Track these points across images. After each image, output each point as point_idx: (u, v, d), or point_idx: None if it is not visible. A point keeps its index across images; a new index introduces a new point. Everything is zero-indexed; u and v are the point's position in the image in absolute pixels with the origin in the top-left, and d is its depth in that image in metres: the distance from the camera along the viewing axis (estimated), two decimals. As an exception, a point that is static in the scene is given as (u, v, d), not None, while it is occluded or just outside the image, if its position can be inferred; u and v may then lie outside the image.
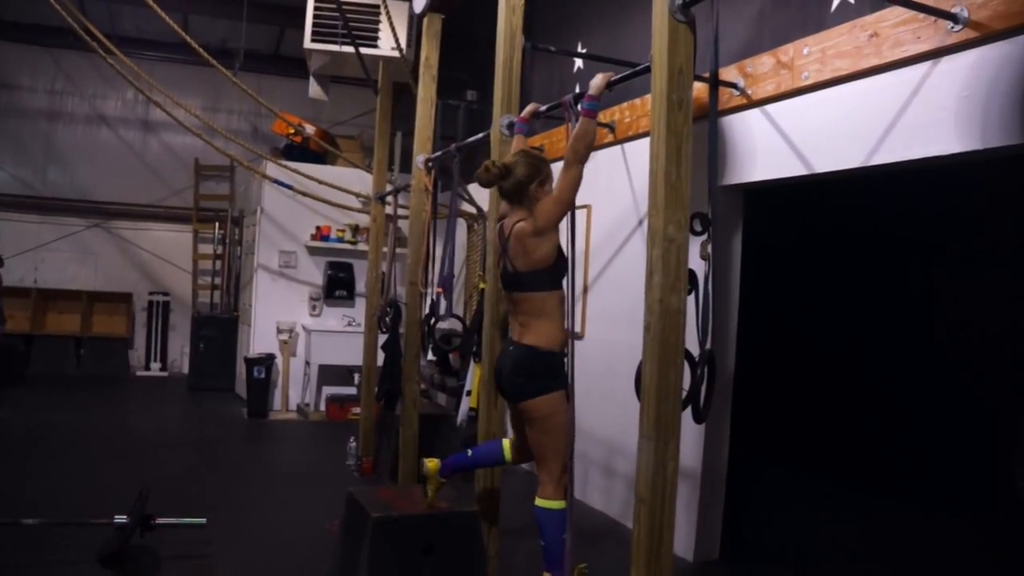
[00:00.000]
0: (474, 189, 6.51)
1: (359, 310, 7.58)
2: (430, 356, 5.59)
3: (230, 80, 7.02)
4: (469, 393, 4.99)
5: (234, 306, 9.13)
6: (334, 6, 6.56)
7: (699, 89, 3.28)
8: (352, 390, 7.47)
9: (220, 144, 7.58)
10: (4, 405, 7.08)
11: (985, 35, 2.59)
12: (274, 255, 7.87)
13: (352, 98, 9.39)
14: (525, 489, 3.34)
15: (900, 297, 5.98)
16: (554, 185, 2.98)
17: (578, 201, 3.33)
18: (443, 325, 4.78)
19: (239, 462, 5.87)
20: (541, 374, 2.94)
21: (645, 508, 2.23)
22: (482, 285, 4.28)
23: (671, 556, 2.27)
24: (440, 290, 4.40)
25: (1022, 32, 2.50)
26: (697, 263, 2.51)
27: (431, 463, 3.21)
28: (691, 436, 3.70)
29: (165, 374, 9.57)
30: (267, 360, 7.50)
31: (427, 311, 4.62)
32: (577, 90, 4.61)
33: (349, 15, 6.65)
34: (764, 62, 3.63)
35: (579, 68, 5.53)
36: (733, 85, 3.76)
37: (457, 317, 4.92)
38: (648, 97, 2.41)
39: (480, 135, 4.13)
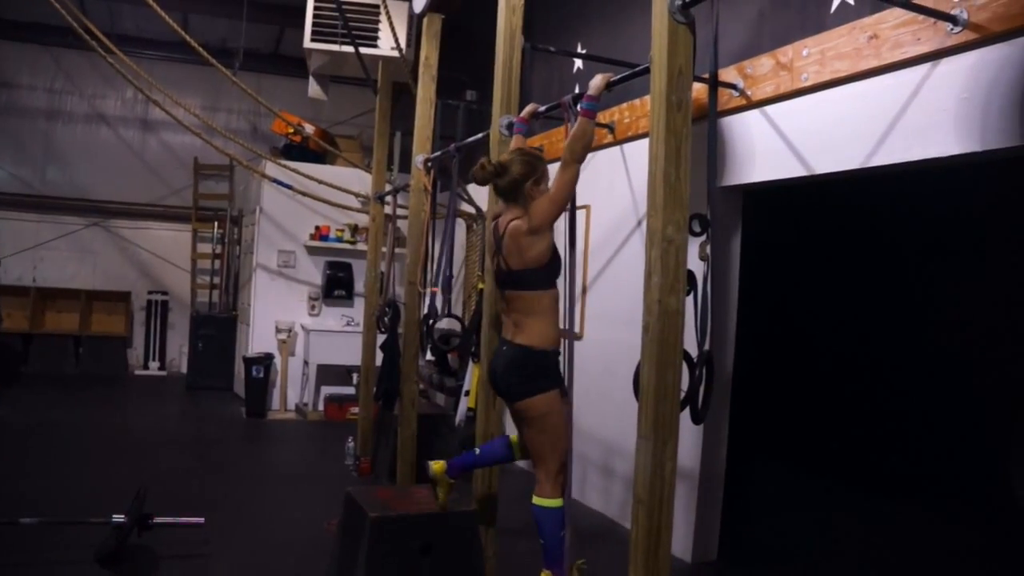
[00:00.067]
0: (473, 189, 6.52)
1: (358, 310, 7.58)
2: (428, 356, 5.59)
3: (230, 79, 7.02)
4: (468, 393, 4.99)
5: (233, 305, 9.12)
6: (334, 6, 6.56)
7: (698, 90, 3.28)
8: (351, 390, 7.47)
9: (219, 143, 7.58)
10: (2, 404, 7.08)
11: (984, 37, 2.60)
12: (273, 255, 7.87)
13: (351, 98, 9.39)
14: (523, 489, 3.34)
15: (899, 298, 5.99)
16: (550, 184, 2.98)
17: (577, 201, 3.34)
18: (442, 325, 4.78)
19: (237, 462, 5.87)
20: (535, 374, 2.93)
21: (643, 508, 2.23)
22: (481, 285, 4.29)
23: (669, 557, 2.27)
24: (435, 289, 4.39)
25: (1022, 34, 2.51)
26: (696, 264, 2.51)
27: (437, 465, 3.20)
28: (689, 436, 3.69)
29: (164, 373, 9.56)
30: (266, 360, 7.49)
31: (425, 311, 4.62)
32: (577, 90, 4.62)
33: (349, 15, 6.65)
34: (763, 63, 3.63)
35: (579, 69, 5.53)
36: (732, 86, 3.76)
37: (456, 317, 4.92)
38: (647, 98, 2.42)
39: (479, 135, 4.13)
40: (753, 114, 3.73)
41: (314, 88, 7.53)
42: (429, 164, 4.72)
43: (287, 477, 5.51)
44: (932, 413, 5.59)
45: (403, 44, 6.73)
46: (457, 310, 6.56)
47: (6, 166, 9.32)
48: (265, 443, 6.69)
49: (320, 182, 7.43)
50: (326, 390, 7.78)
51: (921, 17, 2.77)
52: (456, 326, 5.48)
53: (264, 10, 8.30)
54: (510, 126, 3.42)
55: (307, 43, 6.93)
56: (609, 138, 4.86)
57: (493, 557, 3.46)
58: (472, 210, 6.75)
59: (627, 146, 4.78)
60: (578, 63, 5.52)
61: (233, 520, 4.26)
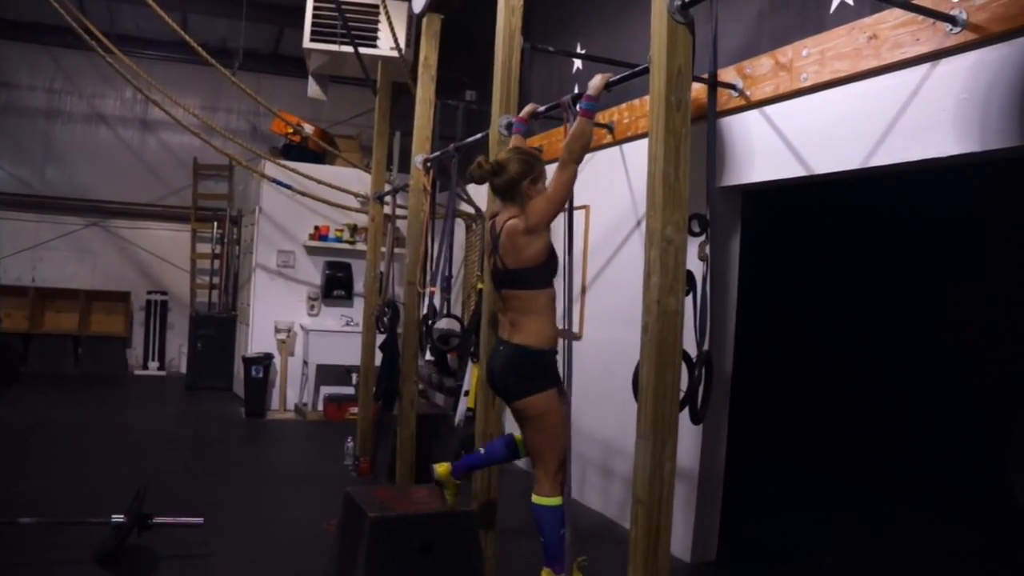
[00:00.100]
0: (473, 189, 6.51)
1: (357, 310, 7.58)
2: (428, 356, 5.59)
3: (229, 79, 7.02)
4: (467, 393, 4.99)
5: (232, 305, 9.12)
6: (333, 6, 6.56)
7: (698, 90, 3.28)
8: (350, 390, 7.46)
9: (219, 143, 7.57)
10: (1, 404, 7.08)
11: (984, 37, 2.60)
12: (272, 255, 7.86)
13: (351, 98, 9.39)
14: (523, 489, 3.33)
15: (898, 298, 5.99)
16: (548, 183, 2.97)
17: (576, 202, 3.34)
18: (441, 325, 4.78)
19: (237, 462, 5.87)
20: (532, 373, 2.93)
21: (642, 508, 2.23)
22: (480, 285, 4.28)
23: (668, 557, 2.27)
24: (432, 289, 4.39)
25: (1021, 35, 2.51)
26: (695, 264, 2.51)
27: (441, 468, 3.19)
28: (689, 437, 3.70)
29: (163, 373, 9.56)
30: (265, 360, 7.49)
31: (425, 311, 4.62)
32: (576, 90, 4.62)
33: (348, 15, 6.65)
34: (763, 63, 3.63)
35: (578, 69, 5.53)
36: (732, 86, 3.76)
37: (455, 317, 4.92)
38: (647, 98, 2.41)
39: (479, 135, 4.13)
40: (752, 114, 3.73)
41: (313, 88, 7.53)
42: (428, 164, 4.72)
43: (286, 477, 5.51)
44: (932, 413, 5.59)
45: (402, 44, 6.73)
46: (456, 310, 6.56)
47: (5, 166, 9.32)
48: (264, 443, 6.69)
49: (319, 182, 7.43)
50: (325, 390, 7.77)
51: (920, 17, 2.77)
52: (455, 326, 5.49)
53: (263, 10, 8.30)
54: (509, 126, 3.42)
55: (306, 43, 6.92)
56: (608, 138, 4.86)
57: (492, 557, 3.46)
58: (471, 210, 6.74)
59: (626, 146, 4.78)
60: (577, 63, 5.52)
61: (232, 520, 4.26)
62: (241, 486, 5.11)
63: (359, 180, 7.56)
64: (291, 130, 8.15)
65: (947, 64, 2.76)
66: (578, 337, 4.95)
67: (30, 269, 9.32)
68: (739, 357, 4.09)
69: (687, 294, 2.35)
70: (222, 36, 9.00)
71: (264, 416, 7.49)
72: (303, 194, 7.54)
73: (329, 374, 7.74)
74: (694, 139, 2.30)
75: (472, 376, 4.97)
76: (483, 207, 4.65)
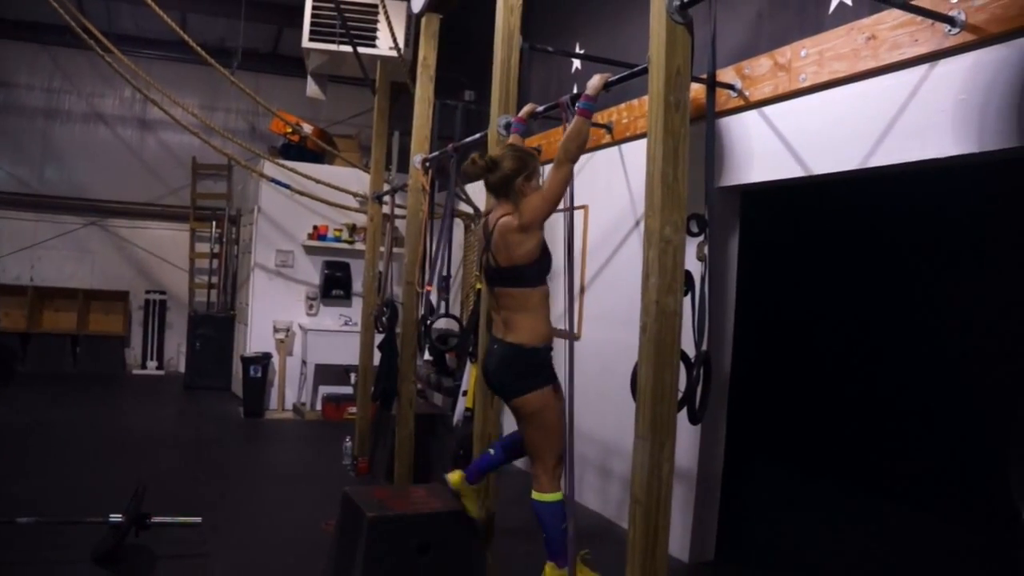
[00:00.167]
0: (472, 189, 6.51)
1: (356, 309, 7.58)
2: (426, 356, 5.59)
3: (228, 79, 7.02)
4: (465, 393, 4.99)
5: (231, 305, 9.12)
6: (332, 5, 6.56)
7: (696, 90, 3.28)
8: (348, 390, 7.46)
9: (218, 143, 7.57)
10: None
11: (982, 38, 2.60)
12: (271, 254, 7.86)
13: (350, 98, 9.39)
14: (522, 489, 3.33)
15: (897, 299, 5.99)
16: (543, 182, 2.97)
17: (575, 202, 3.33)
18: (439, 325, 4.78)
19: (235, 461, 5.86)
20: (526, 372, 2.93)
21: (640, 509, 2.23)
22: (479, 285, 4.28)
23: (666, 557, 2.27)
24: (429, 287, 4.39)
25: (1019, 36, 2.51)
26: (694, 264, 2.51)
27: (454, 477, 3.20)
28: (687, 437, 3.70)
29: (161, 373, 9.55)
30: (263, 359, 7.49)
31: (423, 311, 4.62)
32: (575, 90, 4.62)
33: (347, 14, 6.65)
34: (762, 64, 3.63)
35: (577, 69, 5.53)
36: (731, 87, 3.76)
37: (453, 317, 4.92)
38: (646, 98, 2.41)
39: (477, 135, 4.13)
40: (751, 114, 3.73)
41: (312, 88, 7.53)
42: (427, 164, 4.72)
43: (285, 477, 5.51)
44: (932, 413, 5.59)
45: (401, 44, 6.73)
46: (455, 310, 6.56)
47: (4, 165, 9.31)
48: (263, 443, 6.69)
49: (318, 182, 7.43)
50: (324, 390, 7.77)
51: (919, 18, 2.77)
52: (454, 326, 5.49)
53: (262, 10, 8.30)
54: (508, 126, 3.42)
55: (305, 43, 6.92)
56: (607, 138, 4.86)
57: (492, 557, 3.46)
58: (470, 210, 6.74)
59: (625, 146, 4.78)
60: (576, 63, 5.53)
61: (230, 520, 4.26)
62: (239, 486, 5.10)
63: (358, 180, 7.55)
64: (290, 130, 8.15)
65: (946, 65, 2.76)
66: (577, 337, 4.95)
67: (28, 268, 9.31)
68: (737, 357, 4.09)
69: (685, 294, 2.36)
70: (221, 36, 9.00)
71: (262, 416, 7.48)
72: (302, 194, 7.53)
73: (327, 374, 7.73)
74: (693, 139, 2.30)
75: (470, 376, 4.97)
76: (482, 207, 4.65)
